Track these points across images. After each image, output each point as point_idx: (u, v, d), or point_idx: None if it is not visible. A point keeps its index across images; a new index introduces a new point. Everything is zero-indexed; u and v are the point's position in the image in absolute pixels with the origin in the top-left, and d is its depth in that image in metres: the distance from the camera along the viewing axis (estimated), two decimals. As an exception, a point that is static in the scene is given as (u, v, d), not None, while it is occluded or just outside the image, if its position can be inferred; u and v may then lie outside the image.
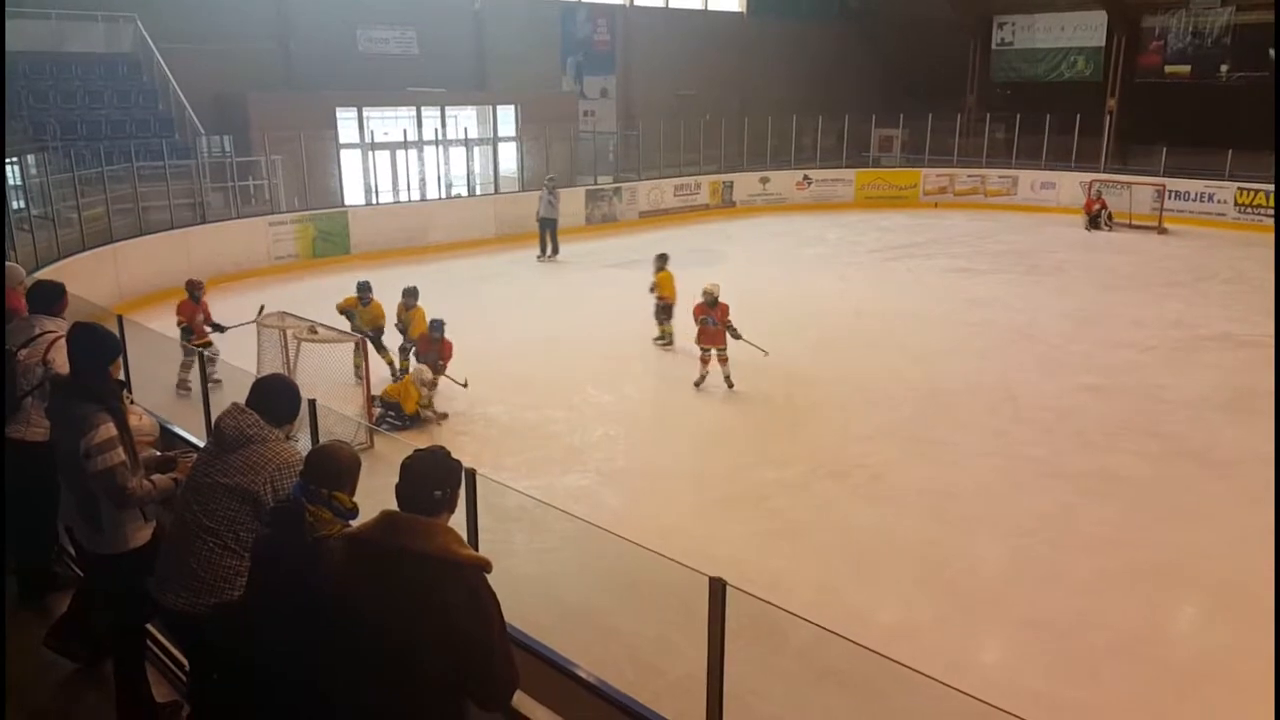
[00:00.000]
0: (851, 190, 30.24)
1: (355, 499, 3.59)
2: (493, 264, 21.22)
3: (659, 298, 14.56)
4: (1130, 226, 25.71)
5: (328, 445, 3.72)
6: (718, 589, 3.85)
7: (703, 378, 12.83)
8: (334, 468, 3.55)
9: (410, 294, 12.71)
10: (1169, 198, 26.11)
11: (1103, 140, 29.51)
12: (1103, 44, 34.11)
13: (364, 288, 12.88)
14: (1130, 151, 28.76)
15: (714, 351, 12.78)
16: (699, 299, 13.00)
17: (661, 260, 14.77)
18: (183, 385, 11.37)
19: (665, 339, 14.58)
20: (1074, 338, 15.21)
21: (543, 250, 21.56)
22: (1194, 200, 26.73)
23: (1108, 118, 31.92)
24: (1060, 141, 28.86)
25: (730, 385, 12.59)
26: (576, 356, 14.14)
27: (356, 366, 11.44)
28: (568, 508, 8.02)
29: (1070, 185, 28.07)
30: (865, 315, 16.63)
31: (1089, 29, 34.40)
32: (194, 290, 12.40)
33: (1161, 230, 25.33)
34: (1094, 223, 25.88)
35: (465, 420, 11.49)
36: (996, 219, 27.37)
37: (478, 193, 25.39)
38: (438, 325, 11.91)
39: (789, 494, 9.58)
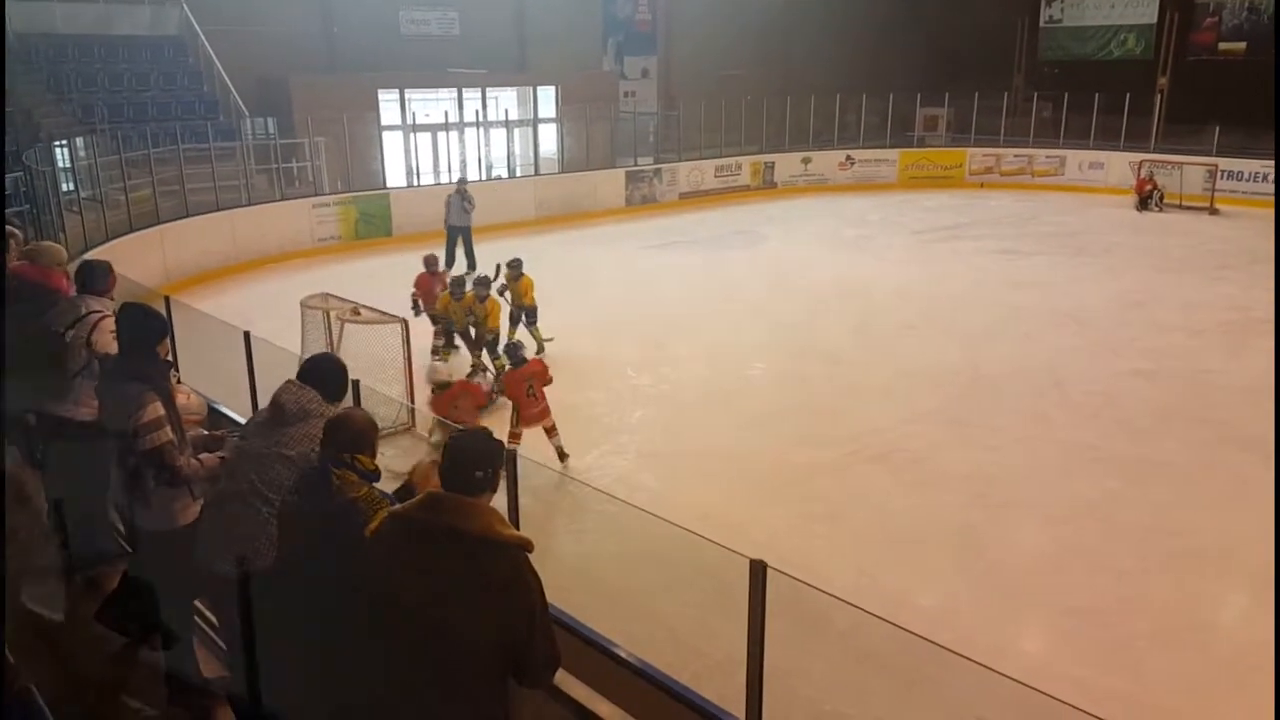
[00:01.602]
0: (895, 171, 30.05)
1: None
2: (533, 245, 21.18)
3: (515, 305, 13.13)
4: (1181, 207, 25.28)
5: (344, 412, 3.86)
6: (758, 571, 3.87)
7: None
8: (352, 432, 3.70)
9: (516, 265, 13.06)
10: (1221, 178, 25.61)
11: (1153, 120, 29.00)
12: (1154, 21, 33.50)
13: (458, 284, 12.44)
14: (1181, 131, 28.23)
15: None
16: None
17: (517, 266, 13.11)
18: (436, 354, 12.40)
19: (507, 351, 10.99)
20: (1122, 321, 15.04)
21: (449, 262, 17.56)
22: (1248, 180, 26.19)
23: (1158, 96, 31.34)
24: (1109, 121, 28.42)
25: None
26: (616, 338, 14.15)
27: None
28: (607, 489, 8.09)
29: (1119, 166, 27.64)
30: (908, 297, 16.52)
31: (1140, 6, 33.77)
32: (431, 265, 13.32)
33: (1214, 211, 24.86)
34: (1144, 204, 25.48)
35: (502, 402, 11.51)
36: (1044, 200, 27.10)
37: (518, 174, 25.50)
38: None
39: (829, 477, 9.55)
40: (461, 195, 18.50)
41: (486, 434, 3.33)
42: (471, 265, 18.39)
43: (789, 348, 13.72)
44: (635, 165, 26.60)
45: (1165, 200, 25.52)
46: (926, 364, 12.88)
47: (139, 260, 15.20)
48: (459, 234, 18.52)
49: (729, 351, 13.57)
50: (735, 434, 10.68)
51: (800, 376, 12.54)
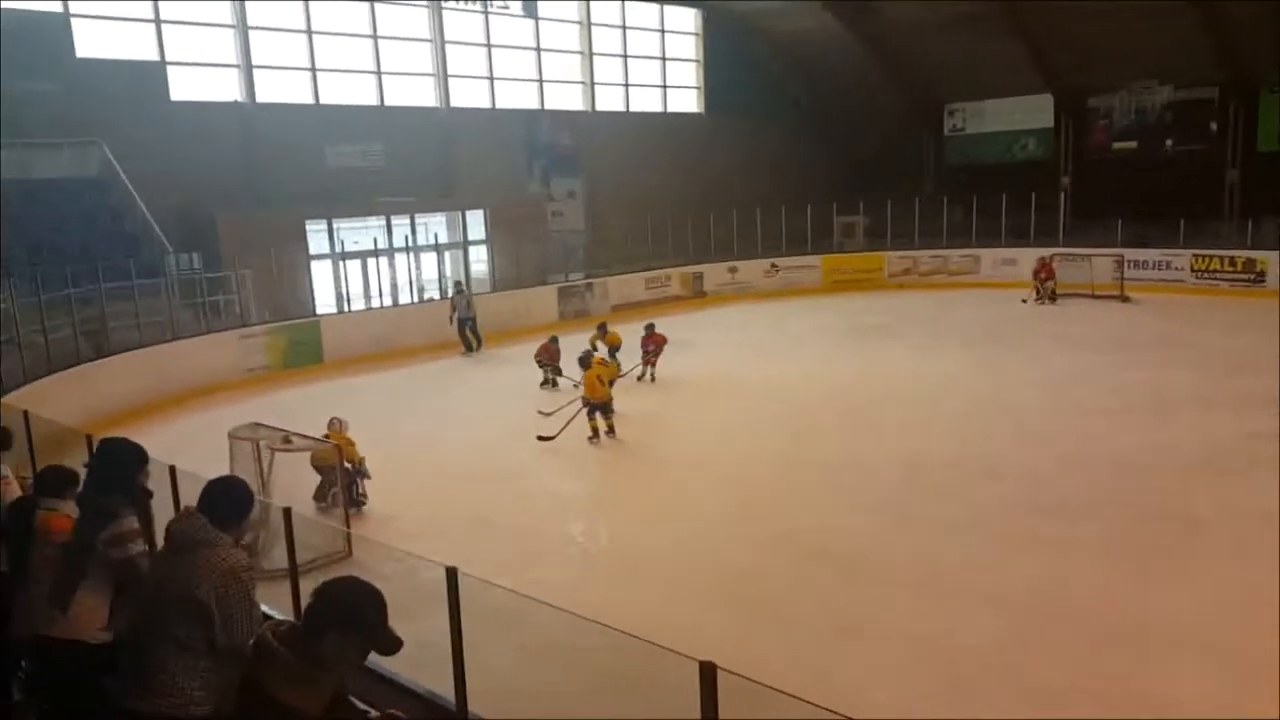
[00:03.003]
0: (819, 275, 30.66)
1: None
2: (467, 363, 21.25)
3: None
4: (1094, 296, 26.03)
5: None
6: (708, 673, 3.79)
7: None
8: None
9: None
10: (1129, 267, 26.55)
11: (1059, 216, 30.12)
12: (1051, 124, 35.06)
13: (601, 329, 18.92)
14: (1086, 225, 29.33)
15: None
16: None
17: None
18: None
19: None
20: (1047, 407, 15.32)
21: (468, 347, 22.28)
22: (1152, 269, 27.20)
23: (1062, 195, 32.60)
24: (1017, 220, 29.42)
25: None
26: (550, 452, 14.08)
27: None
28: (555, 601, 7.83)
29: (1030, 260, 28.43)
30: (841, 394, 16.78)
31: (1037, 111, 35.36)
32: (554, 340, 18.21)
33: (1125, 299, 25.67)
34: (1039, 293, 25.96)
35: (429, 522, 11.30)
36: (961, 296, 27.81)
37: (449, 294, 25.50)
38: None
39: (774, 575, 9.51)
40: (460, 293, 22.62)
41: (354, 589, 3.24)
42: (479, 343, 22.38)
43: (727, 452, 13.76)
44: (567, 281, 26.82)
45: (1057, 290, 25.94)
46: (864, 459, 13.00)
47: (59, 401, 14.74)
48: (467, 324, 22.29)
49: (666, 460, 13.71)
50: (677, 536, 10.63)
51: (740, 479, 12.56)
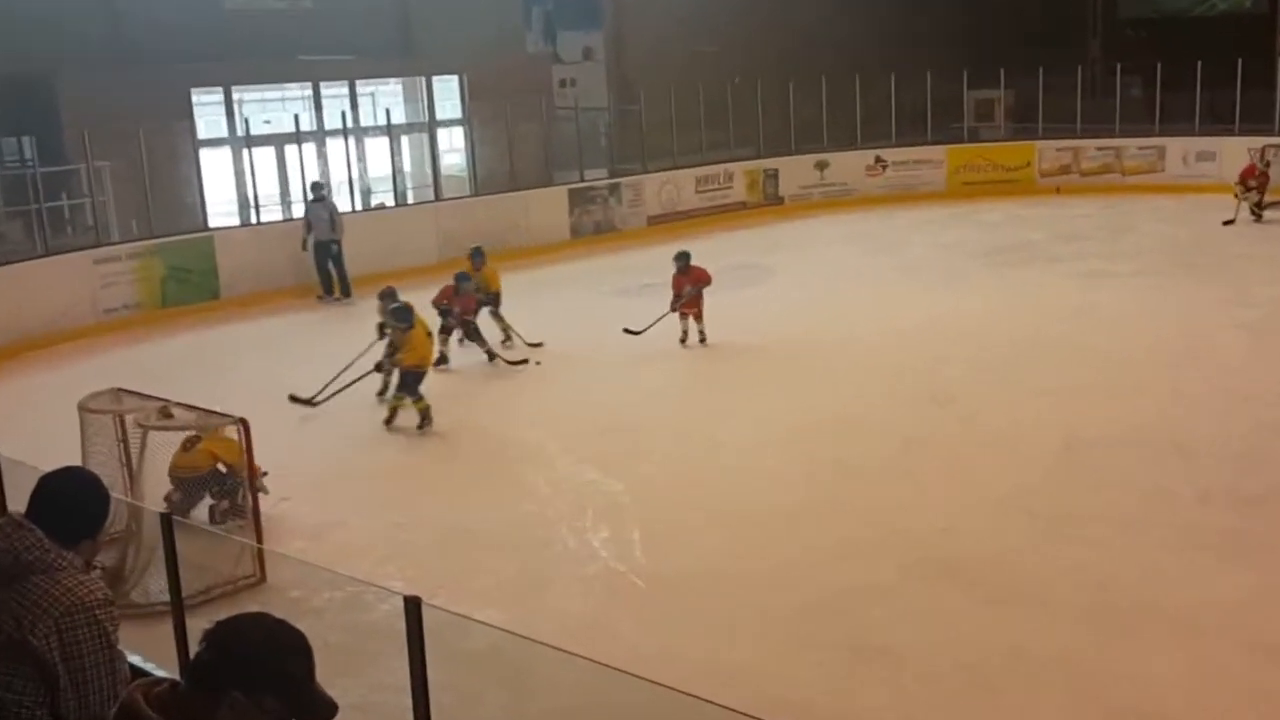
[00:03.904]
0: (942, 174, 31.06)
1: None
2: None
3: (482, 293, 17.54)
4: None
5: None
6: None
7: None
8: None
9: (478, 253, 17.93)
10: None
11: (1277, 92, 29.45)
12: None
13: (478, 253, 17.91)
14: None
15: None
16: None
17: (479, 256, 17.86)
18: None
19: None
20: (1256, 358, 15.70)
21: (326, 290, 21.61)
22: None
23: (1281, 60, 31.90)
24: (1219, 96, 29.25)
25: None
26: (566, 426, 14.28)
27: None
28: (565, 644, 7.73)
29: (1237, 154, 28.04)
30: (973, 343, 17.03)
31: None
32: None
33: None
34: (1257, 209, 25.36)
35: (384, 532, 11.37)
36: (1139, 205, 28.13)
37: (410, 200, 25.37)
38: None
39: (880, 601, 9.56)
40: (323, 203, 21.22)
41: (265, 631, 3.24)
42: (345, 289, 21.40)
43: (811, 426, 13.92)
44: (582, 181, 26.92)
45: (1266, 202, 25.42)
46: (1005, 434, 13.29)
47: None
48: (326, 253, 21.03)
49: (727, 436, 13.79)
50: (740, 546, 10.71)
51: (831, 464, 12.69)
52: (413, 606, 5.17)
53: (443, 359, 16.45)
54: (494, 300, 17.70)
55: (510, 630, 7.36)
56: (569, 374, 16.63)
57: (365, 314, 16.98)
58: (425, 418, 14.12)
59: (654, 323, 17.20)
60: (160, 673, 5.54)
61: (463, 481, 12.67)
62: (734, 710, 4.28)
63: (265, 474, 11.51)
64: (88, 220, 21.39)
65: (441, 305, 16.78)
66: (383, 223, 23.83)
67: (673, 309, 17.34)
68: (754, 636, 9.08)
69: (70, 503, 4.18)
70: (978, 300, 19.66)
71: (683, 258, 17.72)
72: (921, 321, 18.35)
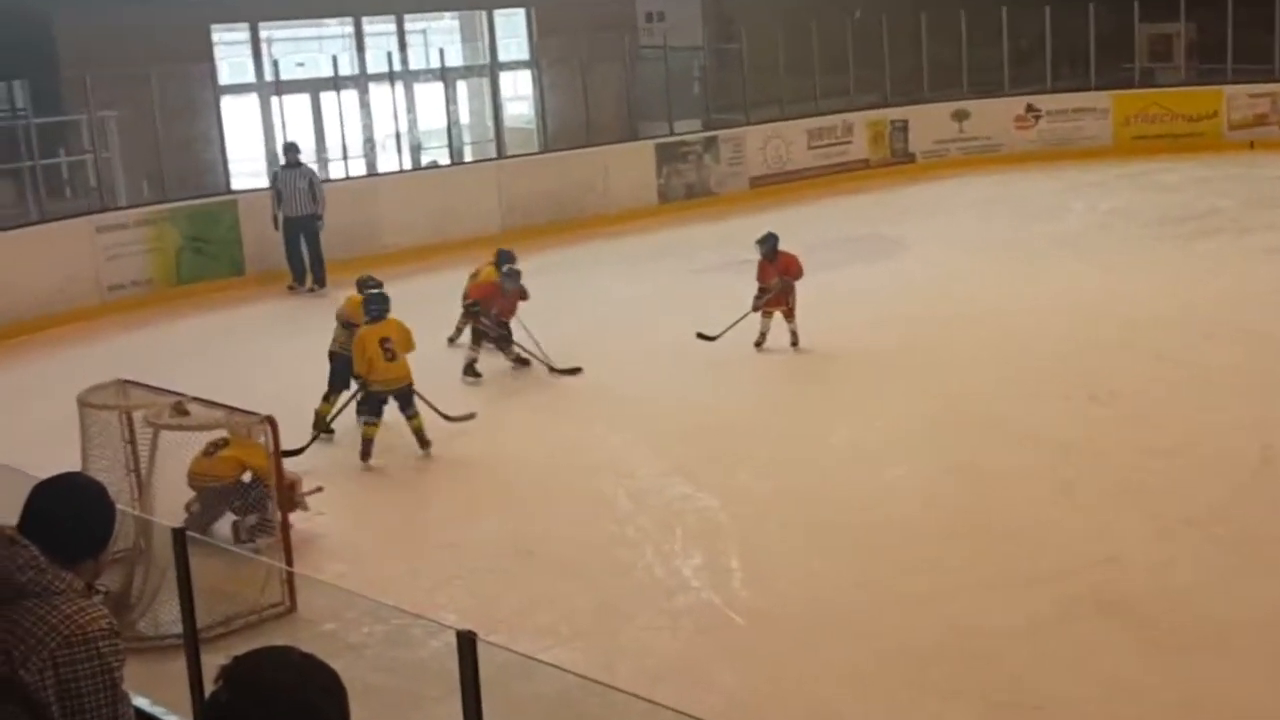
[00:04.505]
0: (1107, 126, 30.54)
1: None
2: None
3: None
4: None
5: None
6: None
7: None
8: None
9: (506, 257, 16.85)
10: None
11: None
12: None
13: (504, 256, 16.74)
14: None
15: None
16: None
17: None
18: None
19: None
20: None
21: (297, 277, 21.28)
22: None
23: None
24: None
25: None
26: (654, 429, 14.31)
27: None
28: (648, 692, 7.73)
29: None
30: (1147, 330, 16.79)
31: None
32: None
33: None
34: None
35: (434, 555, 11.43)
36: None
37: (467, 158, 25.40)
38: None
39: (1024, 644, 9.40)
40: (299, 170, 20.94)
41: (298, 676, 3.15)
42: (319, 278, 20.78)
43: (943, 428, 13.86)
44: (672, 135, 26.84)
45: None
46: (1181, 440, 13.05)
47: None
48: (302, 231, 20.83)
49: (841, 439, 13.83)
50: (858, 580, 10.60)
51: (966, 475, 12.54)
52: (466, 643, 5.16)
53: (471, 370, 16.13)
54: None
55: (582, 675, 7.36)
56: (652, 365, 16.59)
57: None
58: (423, 437, 13.66)
59: (733, 324, 16.66)
60: (171, 718, 5.60)
61: (527, 495, 12.66)
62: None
63: (319, 489, 11.72)
64: (90, 180, 21.57)
65: (472, 304, 16.43)
66: (435, 184, 23.95)
67: (756, 308, 16.78)
68: (871, 684, 9.02)
69: (69, 516, 4.14)
70: (1150, 279, 19.39)
71: (769, 242, 16.94)
72: (1080, 304, 18.11)
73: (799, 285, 16.81)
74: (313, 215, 20.93)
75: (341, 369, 13.95)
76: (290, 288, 21.17)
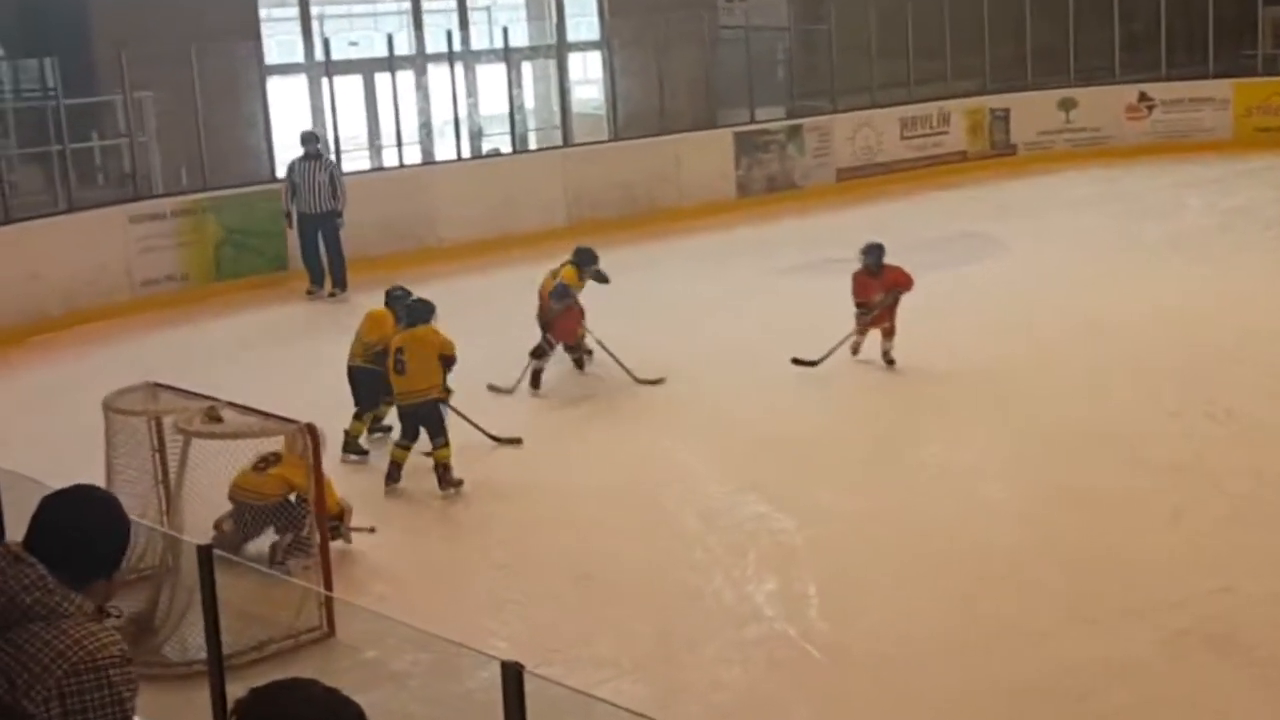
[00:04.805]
0: (1227, 118, 30.36)
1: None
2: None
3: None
4: None
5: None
6: None
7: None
8: None
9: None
10: None
11: None
12: None
13: (586, 256, 16.65)
14: None
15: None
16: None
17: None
18: None
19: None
20: None
21: (315, 280, 21.13)
22: None
23: None
24: None
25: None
26: (728, 444, 14.34)
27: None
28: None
29: None
30: (1266, 344, 16.62)
31: None
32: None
33: None
34: None
35: (496, 574, 11.48)
36: None
37: (532, 145, 25.45)
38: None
39: (1128, 681, 9.34)
40: (319, 161, 20.79)
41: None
42: (339, 280, 20.52)
43: (1043, 445, 13.84)
44: (753, 123, 26.84)
45: None
46: None
47: None
48: (321, 228, 20.56)
49: (930, 456, 13.90)
50: (946, 610, 10.55)
51: (1066, 497, 12.47)
52: (513, 676, 5.16)
53: (536, 379, 15.98)
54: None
55: (643, 715, 7.33)
56: (727, 373, 16.56)
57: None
58: (447, 476, 13.18)
59: (834, 349, 16.16)
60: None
61: (586, 513, 12.64)
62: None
63: (372, 530, 11.81)
64: (124, 166, 21.70)
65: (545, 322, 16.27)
66: (496, 174, 24.01)
67: (860, 329, 16.36)
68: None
69: (79, 533, 4.15)
70: (1272, 285, 19.21)
71: (873, 254, 16.34)
72: (1194, 311, 18.01)
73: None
74: (333, 212, 20.76)
75: (366, 380, 13.93)
76: (309, 292, 21.07)
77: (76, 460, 10.93)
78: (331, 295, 20.84)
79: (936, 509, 12.44)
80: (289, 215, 20.95)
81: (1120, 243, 22.09)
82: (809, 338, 16.71)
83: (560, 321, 15.97)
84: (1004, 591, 10.75)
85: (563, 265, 16.37)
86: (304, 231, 20.88)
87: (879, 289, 16.16)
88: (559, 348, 16.19)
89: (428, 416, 13.07)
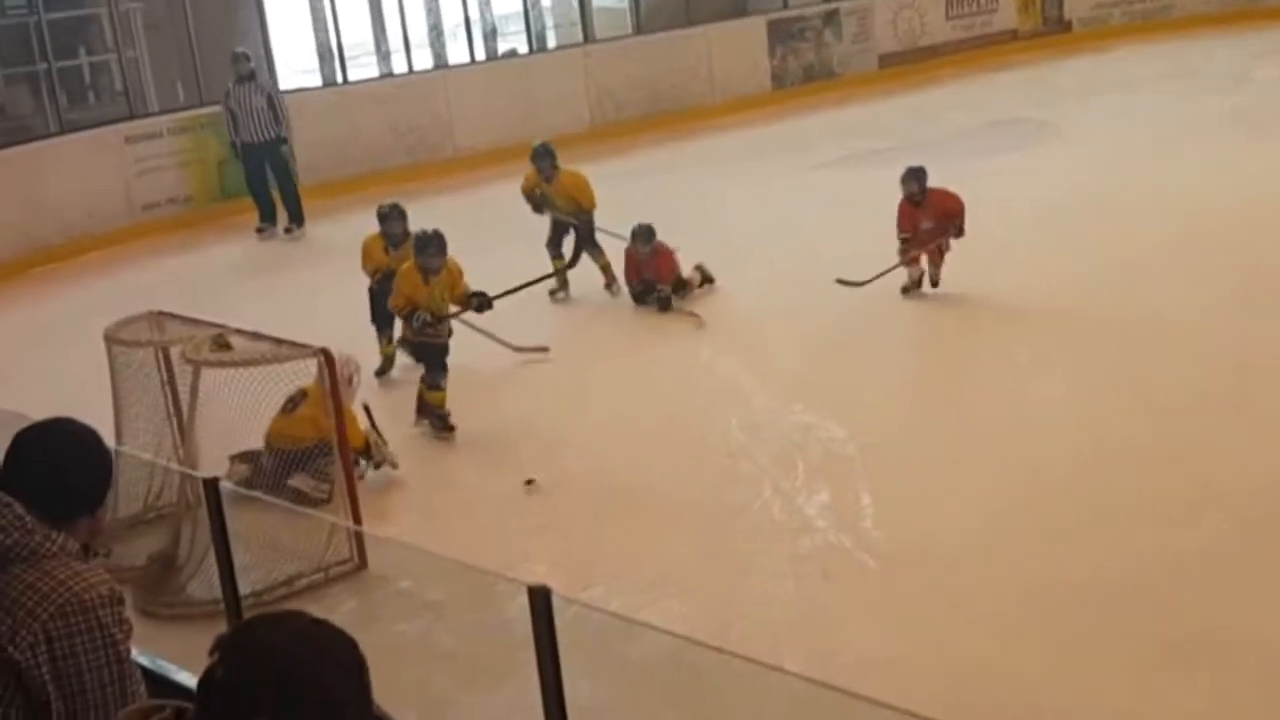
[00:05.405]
0: None
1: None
2: (593, 177, 21.09)
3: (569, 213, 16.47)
4: None
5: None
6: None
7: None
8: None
9: (543, 152, 16.45)
10: None
11: None
12: None
13: (542, 154, 16.36)
14: None
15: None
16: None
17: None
18: None
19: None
20: None
21: (265, 216, 20.50)
22: None
23: None
24: None
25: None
26: (766, 348, 14.39)
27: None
28: (767, 652, 7.71)
29: None
30: None
31: None
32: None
33: None
34: None
35: (532, 495, 11.49)
36: None
37: (550, 44, 25.36)
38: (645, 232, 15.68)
39: (1207, 572, 9.25)
40: (253, 83, 20.05)
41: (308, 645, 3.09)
42: (295, 215, 20.21)
43: (1111, 342, 13.63)
44: (787, 8, 26.79)
45: None
46: None
47: None
48: (267, 158, 20.11)
49: (986, 358, 13.94)
50: (1006, 512, 10.48)
51: (1136, 393, 12.35)
52: (541, 600, 5.21)
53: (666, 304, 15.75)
54: (586, 223, 16.44)
55: (689, 637, 7.35)
56: (766, 280, 16.58)
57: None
58: (440, 417, 12.97)
59: (883, 272, 15.48)
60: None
61: (622, 429, 12.61)
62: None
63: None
64: (115, 84, 21.67)
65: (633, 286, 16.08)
66: (512, 77, 24.13)
67: (903, 260, 15.58)
68: (1025, 632, 8.84)
69: (52, 467, 4.15)
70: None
71: (916, 179, 15.52)
72: (1267, 196, 17.58)
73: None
74: (277, 139, 20.23)
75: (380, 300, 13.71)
76: (259, 230, 20.53)
77: (83, 397, 10.75)
78: (287, 232, 20.45)
79: (992, 408, 12.40)
80: (235, 146, 20.38)
81: (1185, 125, 21.66)
82: (852, 240, 16.74)
83: (659, 263, 15.83)
84: (1065, 489, 10.66)
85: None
86: (247, 162, 20.39)
87: (924, 219, 15.50)
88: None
89: (429, 352, 13.00)
